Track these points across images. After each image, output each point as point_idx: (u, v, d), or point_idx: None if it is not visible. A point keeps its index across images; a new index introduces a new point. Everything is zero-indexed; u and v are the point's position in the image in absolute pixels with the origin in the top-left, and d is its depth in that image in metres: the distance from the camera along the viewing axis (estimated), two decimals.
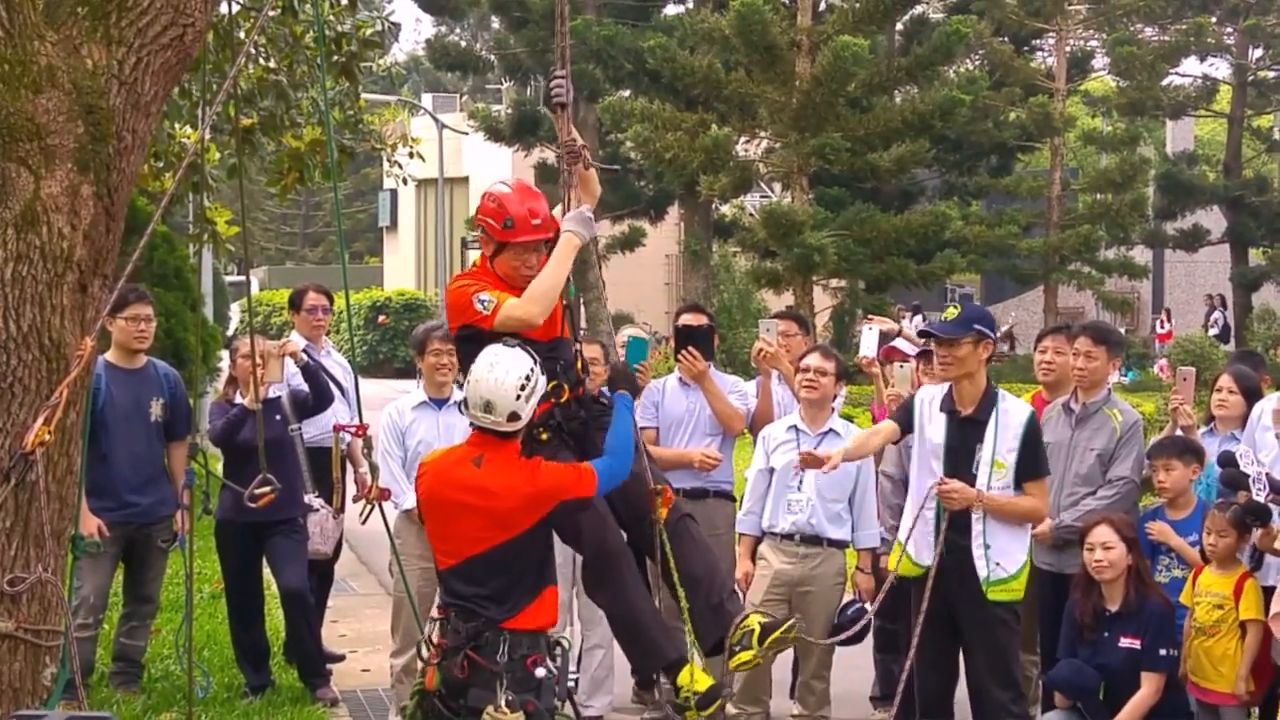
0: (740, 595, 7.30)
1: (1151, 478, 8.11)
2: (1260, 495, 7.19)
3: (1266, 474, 7.20)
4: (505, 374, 5.82)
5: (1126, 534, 7.63)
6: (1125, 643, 7.58)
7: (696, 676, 6.20)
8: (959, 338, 7.42)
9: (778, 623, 6.38)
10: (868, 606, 8.10)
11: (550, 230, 6.28)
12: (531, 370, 5.84)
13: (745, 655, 6.27)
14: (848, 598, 8.56)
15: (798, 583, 8.33)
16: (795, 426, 8.47)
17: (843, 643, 8.11)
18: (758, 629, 6.25)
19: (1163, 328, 37.38)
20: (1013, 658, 7.64)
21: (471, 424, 6.04)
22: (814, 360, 8.49)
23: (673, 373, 9.21)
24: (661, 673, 6.33)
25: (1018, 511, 7.50)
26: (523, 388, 5.80)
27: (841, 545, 8.46)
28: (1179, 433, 8.43)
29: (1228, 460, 7.54)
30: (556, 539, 6.24)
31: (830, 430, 8.44)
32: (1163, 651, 7.55)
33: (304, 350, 9.91)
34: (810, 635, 8.13)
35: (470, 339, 6.15)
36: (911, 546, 7.50)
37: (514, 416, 5.82)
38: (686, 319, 9.27)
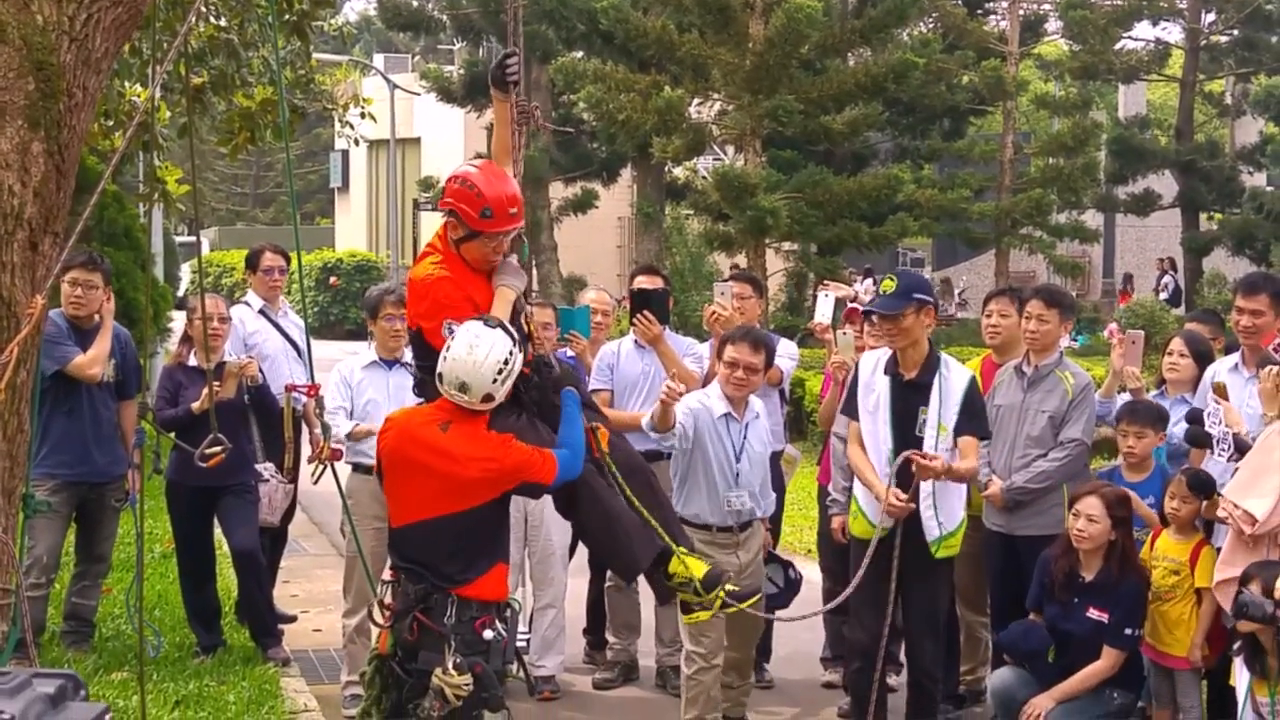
0: None
1: (1117, 441, 8.15)
2: (1224, 456, 7.27)
3: (1234, 434, 7.27)
4: (485, 356, 5.81)
5: (1117, 512, 7.61)
6: (1093, 614, 7.63)
7: (689, 564, 6.26)
8: (901, 310, 7.52)
9: (744, 595, 6.55)
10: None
11: (522, 216, 6.20)
12: (511, 353, 5.84)
13: (702, 615, 6.40)
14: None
15: (740, 569, 8.05)
16: (729, 415, 8.08)
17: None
18: (722, 595, 6.34)
19: (1131, 293, 37.57)
20: (942, 609, 7.96)
21: None
22: (744, 354, 8.00)
23: (628, 335, 9.21)
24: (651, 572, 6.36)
25: (963, 472, 7.65)
26: (500, 371, 5.81)
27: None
28: (1127, 395, 8.51)
29: (1195, 418, 7.61)
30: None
31: (755, 415, 8.25)
32: (1128, 630, 7.61)
33: (261, 310, 9.92)
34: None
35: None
36: (869, 508, 7.59)
37: (488, 398, 5.84)
38: (642, 281, 9.27)
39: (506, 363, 5.82)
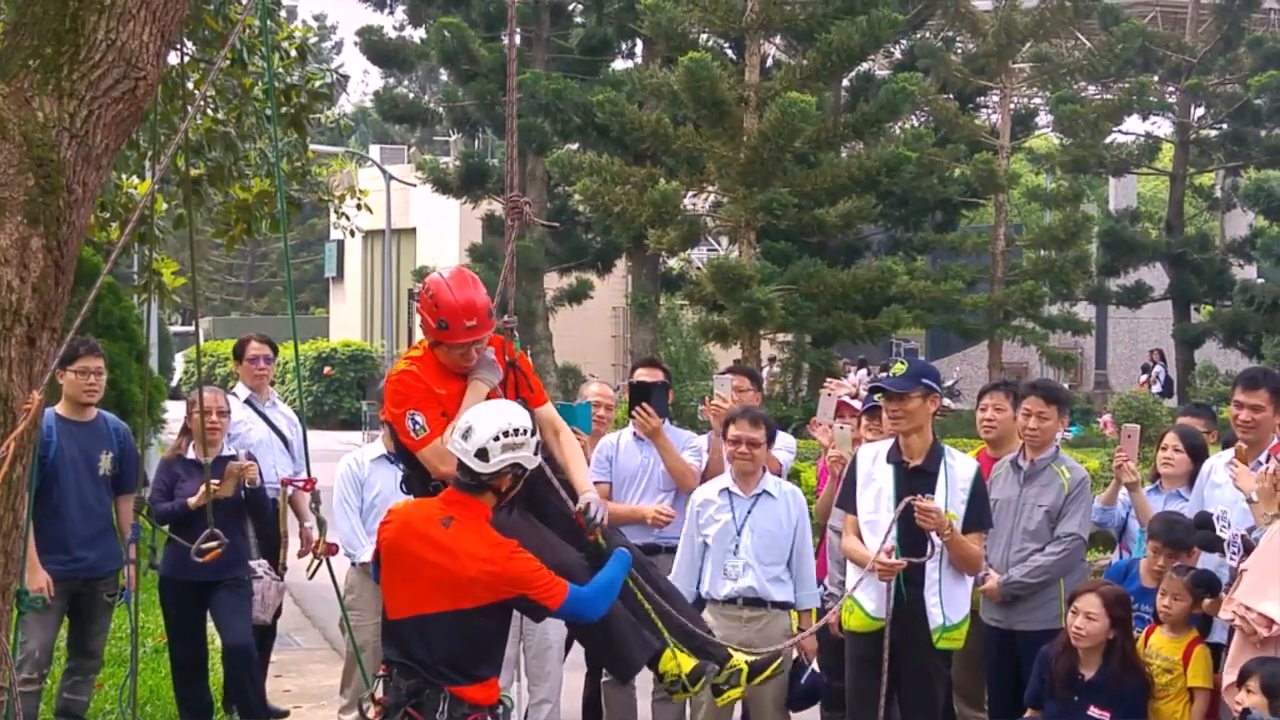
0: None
1: (1146, 550, 8.05)
2: (1235, 559, 7.22)
3: (1241, 536, 7.23)
4: (499, 411, 5.88)
5: (1116, 611, 7.55)
6: (1094, 713, 7.55)
7: (680, 660, 6.24)
8: (909, 392, 7.55)
9: (766, 661, 6.52)
10: (816, 669, 8.21)
11: (487, 327, 6.21)
12: (526, 430, 5.84)
13: (734, 693, 6.42)
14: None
15: (744, 646, 8.16)
16: (728, 490, 8.32)
17: (799, 708, 8.19)
18: (745, 669, 6.37)
19: (1148, 381, 37.63)
20: (940, 705, 7.91)
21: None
22: (744, 430, 8.25)
23: (627, 427, 9.19)
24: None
25: (970, 552, 7.61)
26: (505, 431, 5.78)
27: (785, 606, 8.33)
28: (1124, 491, 8.49)
29: (1204, 522, 7.57)
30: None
31: (764, 492, 8.32)
32: None
33: (247, 400, 9.90)
34: (762, 700, 8.11)
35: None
36: (869, 602, 7.54)
37: (481, 454, 5.78)
38: (641, 374, 9.27)
39: (517, 432, 5.80)
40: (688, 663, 6.26)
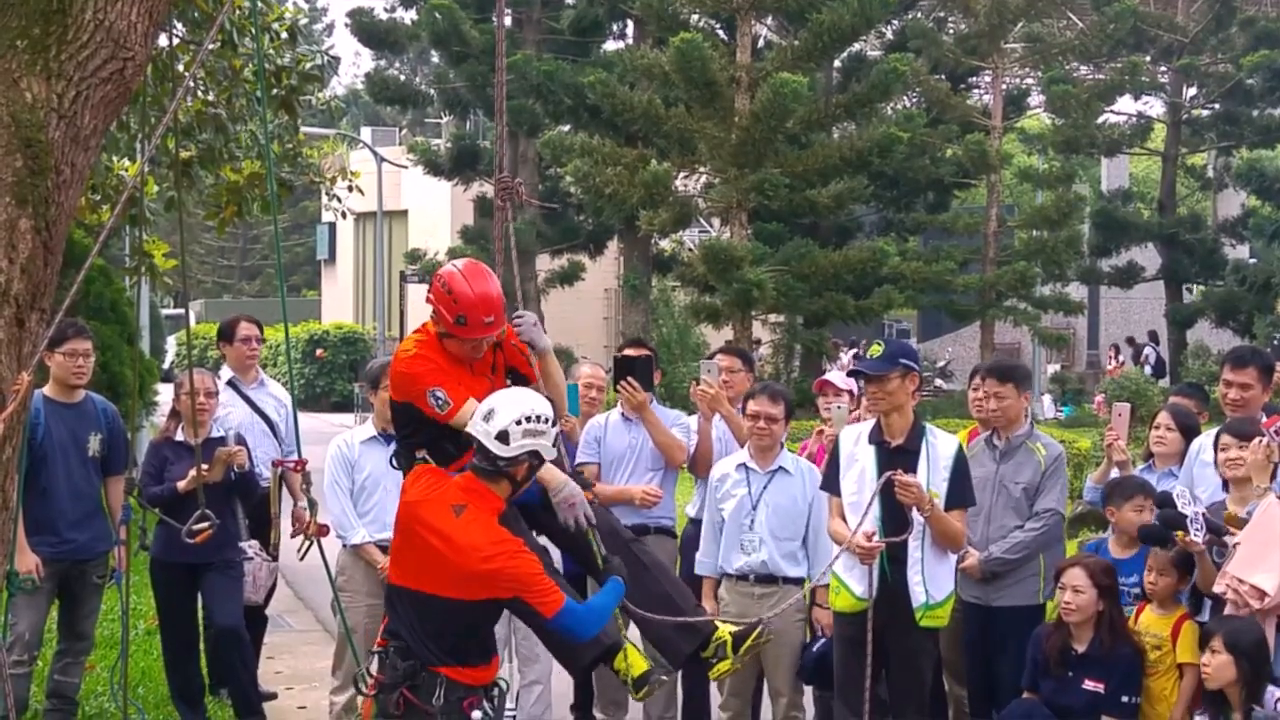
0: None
1: (1107, 517, 8.11)
2: (1198, 536, 7.23)
3: (1204, 514, 7.25)
4: (523, 396, 5.90)
5: (1101, 580, 7.60)
6: (1089, 685, 7.57)
7: (633, 660, 6.29)
8: (887, 374, 7.56)
9: (747, 631, 6.56)
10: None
11: (503, 321, 6.27)
12: (547, 418, 5.82)
13: (724, 665, 6.46)
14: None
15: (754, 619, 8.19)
16: (745, 465, 8.42)
17: (810, 680, 8.24)
18: (729, 639, 6.42)
19: (1111, 363, 37.73)
20: (928, 684, 7.92)
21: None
22: (763, 406, 8.37)
23: (615, 408, 9.20)
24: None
25: (951, 529, 7.61)
26: (529, 418, 5.77)
27: (798, 582, 8.37)
28: (1115, 470, 8.50)
29: (1165, 500, 7.59)
30: None
31: (780, 468, 8.40)
32: (1125, 698, 7.55)
33: (230, 382, 9.87)
34: (776, 674, 8.15)
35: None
36: (856, 584, 7.55)
37: (502, 437, 5.76)
38: (627, 351, 9.29)
39: (538, 419, 5.79)
40: (639, 665, 6.30)
